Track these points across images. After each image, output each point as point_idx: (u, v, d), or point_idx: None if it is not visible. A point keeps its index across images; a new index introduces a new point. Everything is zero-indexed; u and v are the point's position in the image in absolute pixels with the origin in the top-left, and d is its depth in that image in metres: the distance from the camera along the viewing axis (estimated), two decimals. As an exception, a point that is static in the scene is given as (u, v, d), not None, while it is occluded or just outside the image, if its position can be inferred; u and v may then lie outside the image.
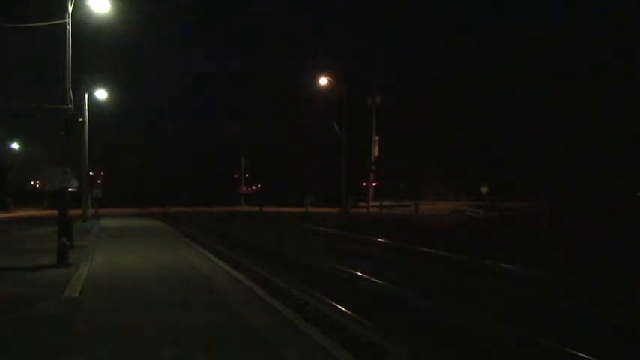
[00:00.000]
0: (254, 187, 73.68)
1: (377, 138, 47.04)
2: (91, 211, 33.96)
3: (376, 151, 46.46)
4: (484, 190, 34.51)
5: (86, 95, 31.48)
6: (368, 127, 47.02)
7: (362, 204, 42.39)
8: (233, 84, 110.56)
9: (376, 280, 11.78)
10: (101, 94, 32.61)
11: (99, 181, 42.89)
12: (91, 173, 43.29)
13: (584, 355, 6.67)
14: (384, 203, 41.10)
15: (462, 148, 54.58)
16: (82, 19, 15.34)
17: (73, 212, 16.10)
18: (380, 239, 19.91)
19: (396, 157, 52.54)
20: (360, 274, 12.68)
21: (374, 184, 45.64)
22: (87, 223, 29.26)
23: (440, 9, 79.44)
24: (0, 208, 50.01)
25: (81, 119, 14.33)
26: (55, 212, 14.24)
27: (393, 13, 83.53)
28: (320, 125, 51.09)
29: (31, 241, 18.65)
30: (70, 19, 12.82)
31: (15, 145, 64.19)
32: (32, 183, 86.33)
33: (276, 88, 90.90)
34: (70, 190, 13.45)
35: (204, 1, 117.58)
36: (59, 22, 12.71)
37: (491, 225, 27.20)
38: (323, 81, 40.58)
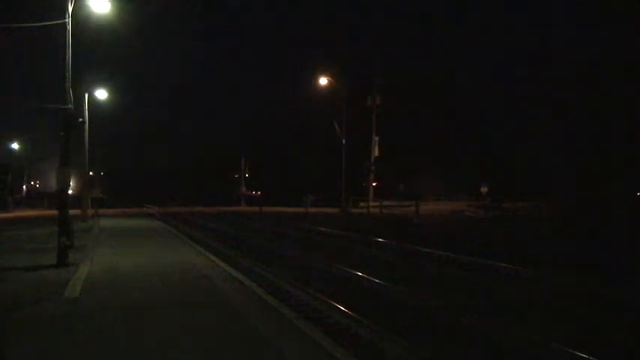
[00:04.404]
0: (254, 192, 73.54)
1: (377, 138, 47.06)
2: (90, 211, 33.94)
3: (376, 151, 46.48)
4: (484, 190, 34.45)
5: (86, 95, 31.50)
6: (368, 127, 47.06)
7: (362, 204, 42.37)
8: (233, 83, 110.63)
9: (376, 280, 11.78)
10: (101, 94, 32.60)
11: (100, 192, 42.79)
12: (91, 173, 43.27)
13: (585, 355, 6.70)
14: (384, 203, 41.09)
15: (462, 148, 54.62)
16: (82, 19, 15.34)
17: (73, 212, 16.10)
18: (379, 239, 19.93)
19: (396, 157, 52.56)
20: (359, 273, 12.66)
21: (374, 184, 45.63)
22: (87, 223, 29.26)
23: (441, 8, 79.39)
24: (0, 208, 49.98)
25: (81, 119, 14.27)
26: (55, 212, 14.24)
27: (393, 12, 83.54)
28: (320, 125, 51.13)
29: (31, 241, 18.65)
30: (70, 19, 12.80)
31: (15, 145, 64.23)
32: (32, 183, 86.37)
33: (276, 87, 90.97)
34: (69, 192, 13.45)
35: (204, 2, 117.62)
36: (59, 22, 12.69)
37: (490, 225, 27.19)
38: (323, 81, 40.58)
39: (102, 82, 32.92)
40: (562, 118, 45.34)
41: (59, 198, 13.11)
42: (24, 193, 72.02)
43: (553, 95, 47.80)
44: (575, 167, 40.87)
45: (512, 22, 63.08)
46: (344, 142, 40.32)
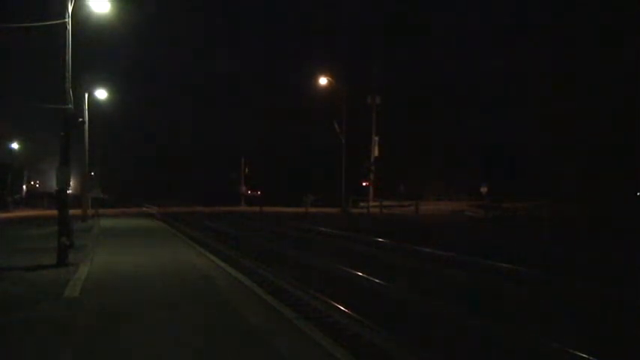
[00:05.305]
0: (253, 192, 73.46)
1: (377, 138, 47.03)
2: (90, 211, 33.94)
3: (376, 151, 46.45)
4: (484, 190, 34.44)
5: (86, 95, 31.49)
6: (368, 127, 47.04)
7: (362, 204, 42.39)
8: (233, 83, 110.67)
9: (376, 280, 11.78)
10: (101, 94, 32.59)
11: (100, 192, 42.75)
12: (92, 173, 43.30)
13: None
14: (384, 203, 41.09)
15: (462, 147, 54.62)
16: (82, 19, 15.34)
17: (73, 212, 16.10)
18: (379, 239, 19.93)
19: (396, 157, 52.55)
20: (359, 273, 12.67)
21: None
22: (87, 223, 29.25)
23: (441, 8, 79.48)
24: (0, 208, 49.98)
25: (81, 119, 14.27)
26: (55, 212, 14.25)
27: (392, 12, 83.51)
28: (320, 125, 51.14)
29: (31, 241, 18.65)
30: (70, 19, 12.80)
31: (15, 145, 64.27)
32: (32, 183, 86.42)
33: (276, 87, 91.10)
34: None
35: (204, 2, 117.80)
36: (59, 22, 12.69)
37: (491, 225, 27.20)
38: (323, 81, 40.60)
39: (102, 82, 32.96)
40: (562, 117, 45.35)
41: (59, 198, 13.12)
42: (24, 193, 72.03)
43: (553, 95, 47.84)
44: (576, 167, 40.89)
45: (511, 22, 63.15)
46: (344, 142, 40.33)
